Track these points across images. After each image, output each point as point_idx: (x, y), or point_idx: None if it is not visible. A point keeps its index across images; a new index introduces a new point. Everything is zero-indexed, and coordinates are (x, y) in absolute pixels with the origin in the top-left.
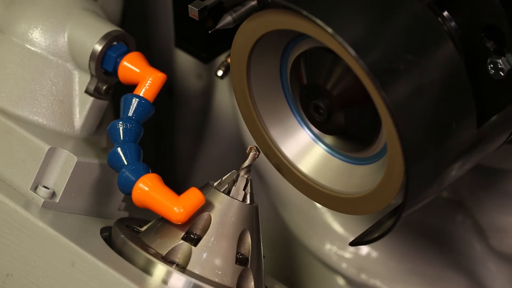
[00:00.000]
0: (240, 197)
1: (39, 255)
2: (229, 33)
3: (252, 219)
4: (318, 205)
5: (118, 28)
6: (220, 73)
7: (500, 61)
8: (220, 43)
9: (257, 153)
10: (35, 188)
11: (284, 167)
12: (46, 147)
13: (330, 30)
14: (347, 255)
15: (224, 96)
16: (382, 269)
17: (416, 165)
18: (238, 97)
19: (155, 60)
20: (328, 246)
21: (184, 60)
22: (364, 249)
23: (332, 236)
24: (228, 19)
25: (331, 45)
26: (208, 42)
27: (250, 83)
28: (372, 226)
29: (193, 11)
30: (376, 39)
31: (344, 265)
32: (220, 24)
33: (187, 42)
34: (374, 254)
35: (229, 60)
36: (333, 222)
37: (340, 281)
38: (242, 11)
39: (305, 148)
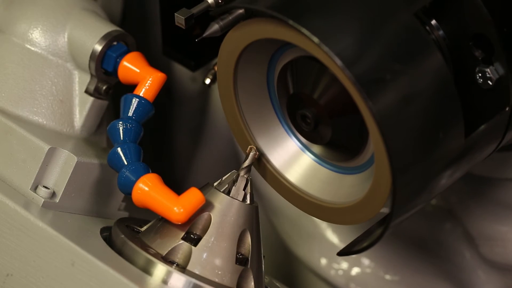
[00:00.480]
0: (240, 197)
1: (39, 255)
2: (217, 41)
3: (252, 219)
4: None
5: (118, 28)
6: (208, 81)
7: (488, 70)
8: (208, 51)
9: (257, 153)
10: (35, 188)
11: (271, 176)
12: (46, 147)
13: (316, 39)
14: (336, 264)
15: None
16: (370, 278)
17: (403, 174)
18: (225, 106)
19: (155, 60)
20: (317, 255)
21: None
22: (353, 259)
23: (322, 245)
24: (215, 27)
25: (318, 54)
26: (195, 50)
27: (237, 91)
28: (360, 235)
29: (180, 19)
30: (363, 49)
31: (333, 275)
32: (207, 32)
33: (175, 50)
34: (363, 263)
35: (216, 68)
36: (323, 231)
37: None
38: (229, 20)
39: (292, 157)
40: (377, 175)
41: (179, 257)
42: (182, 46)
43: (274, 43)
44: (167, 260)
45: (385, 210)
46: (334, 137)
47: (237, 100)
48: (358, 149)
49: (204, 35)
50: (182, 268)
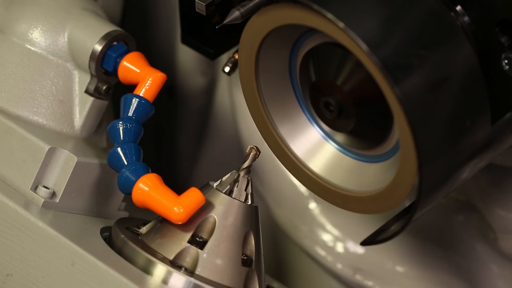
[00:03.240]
0: (242, 198)
1: (39, 255)
2: (237, 28)
3: (253, 220)
4: (313, 205)
5: (118, 28)
6: (227, 69)
7: None
8: (227, 39)
9: (258, 153)
10: (35, 188)
11: (293, 166)
12: (46, 147)
13: (341, 24)
14: (343, 255)
15: (224, 96)
16: (377, 270)
17: (429, 163)
18: (247, 94)
19: (155, 60)
20: (323, 247)
21: (187, 58)
22: (359, 250)
23: (328, 236)
24: (235, 14)
25: (342, 40)
26: (214, 38)
27: (259, 79)
28: (383, 225)
29: (201, 6)
30: (389, 34)
31: (339, 266)
32: (227, 19)
33: (193, 38)
34: (370, 254)
35: (236, 56)
36: (329, 222)
37: (335, 281)
38: (250, 6)
39: (315, 146)
40: (402, 164)
41: (187, 262)
42: (201, 34)
43: (296, 30)
44: (175, 264)
45: (406, 201)
46: (358, 124)
47: (258, 88)
48: (382, 137)
49: (225, 22)
50: (191, 273)
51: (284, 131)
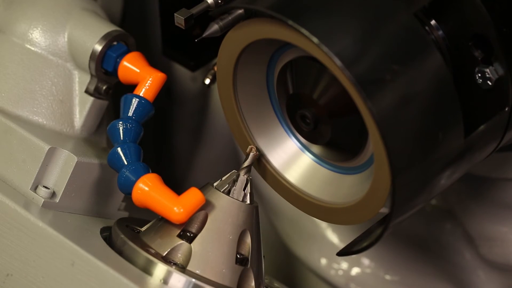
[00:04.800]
0: (240, 197)
1: (39, 255)
2: (217, 41)
3: (252, 219)
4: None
5: (118, 28)
6: (207, 81)
7: (488, 70)
8: (207, 51)
9: (257, 153)
10: (35, 188)
11: (270, 176)
12: (46, 147)
13: (315, 40)
14: (336, 264)
15: None
16: (370, 279)
17: (402, 174)
18: (225, 106)
19: (155, 60)
20: (317, 255)
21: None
22: (352, 259)
23: (322, 245)
24: (215, 27)
25: (317, 54)
26: (195, 50)
27: (237, 91)
28: (360, 235)
29: (179, 19)
30: (362, 49)
31: (333, 275)
32: (206, 33)
33: (174, 50)
34: (363, 263)
35: (215, 69)
36: (323, 231)
37: None
38: (229, 20)
39: (292, 157)
40: (376, 175)
41: (179, 257)
42: (182, 46)
43: (273, 43)
44: (167, 260)
45: (384, 210)
46: (334, 137)
47: (236, 100)
48: (358, 149)
49: (204, 35)
50: (182, 268)
51: (261, 142)
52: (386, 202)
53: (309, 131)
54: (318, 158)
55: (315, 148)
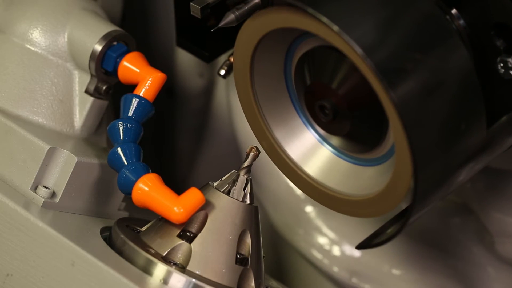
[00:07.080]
0: (240, 197)
1: (39, 255)
2: (232, 31)
3: (252, 219)
4: (309, 208)
5: (118, 28)
6: (222, 72)
7: (510, 60)
8: (222, 42)
9: (257, 153)
10: (35, 188)
11: (289, 169)
12: (46, 147)
13: (336, 28)
14: (339, 258)
15: (222, 97)
16: (374, 273)
17: (424, 167)
18: (241, 97)
19: (156, 60)
20: (319, 250)
21: (186, 59)
22: (356, 253)
23: (324, 239)
24: (230, 17)
25: (337, 43)
26: (210, 41)
27: (254, 82)
28: (379, 229)
29: (195, 9)
30: (383, 38)
31: (335, 269)
32: (222, 23)
33: (189, 41)
34: (366, 258)
35: (231, 59)
36: (325, 225)
37: (332, 284)
38: (245, 9)
39: (310, 149)
40: (397, 167)
41: (179, 257)
42: (197, 37)
43: (291, 33)
44: (167, 260)
45: (403, 204)
46: (353, 128)
47: (253, 91)
48: (378, 140)
49: (220, 25)
50: (182, 268)
51: (279, 134)
52: (407, 194)
53: (328, 122)
54: (337, 150)
55: (334, 140)
